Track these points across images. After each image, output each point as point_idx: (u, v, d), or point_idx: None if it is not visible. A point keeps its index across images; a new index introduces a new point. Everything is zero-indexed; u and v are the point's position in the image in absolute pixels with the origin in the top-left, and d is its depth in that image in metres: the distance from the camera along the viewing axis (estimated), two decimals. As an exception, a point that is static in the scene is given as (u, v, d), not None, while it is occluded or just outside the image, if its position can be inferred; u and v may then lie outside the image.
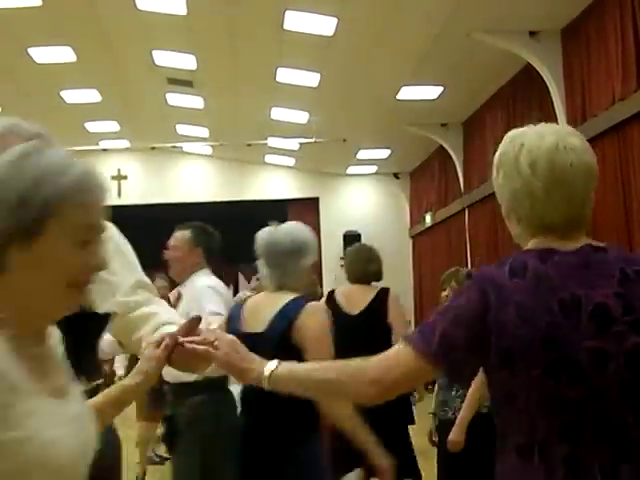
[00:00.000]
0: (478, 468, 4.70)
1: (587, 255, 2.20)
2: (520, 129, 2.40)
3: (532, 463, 2.09)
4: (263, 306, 3.89)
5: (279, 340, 3.67)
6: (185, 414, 4.86)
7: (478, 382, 4.78)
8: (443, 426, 5.27)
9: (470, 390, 4.97)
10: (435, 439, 5.59)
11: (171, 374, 5.02)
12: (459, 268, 6.09)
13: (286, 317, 3.75)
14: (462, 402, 5.05)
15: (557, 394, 2.09)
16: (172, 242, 5.62)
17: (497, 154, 2.36)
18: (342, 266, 23.63)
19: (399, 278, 20.67)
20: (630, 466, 2.09)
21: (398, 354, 2.19)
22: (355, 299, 6.02)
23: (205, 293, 5.20)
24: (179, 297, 5.41)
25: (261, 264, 3.98)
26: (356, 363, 2.26)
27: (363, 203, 22.66)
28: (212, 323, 5.56)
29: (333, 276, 20.52)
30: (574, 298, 2.11)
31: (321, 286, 21.19)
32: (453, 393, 5.25)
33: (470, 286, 2.21)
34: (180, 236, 5.60)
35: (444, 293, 5.77)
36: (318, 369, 2.34)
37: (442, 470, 5.38)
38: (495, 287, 2.14)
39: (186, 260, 5.51)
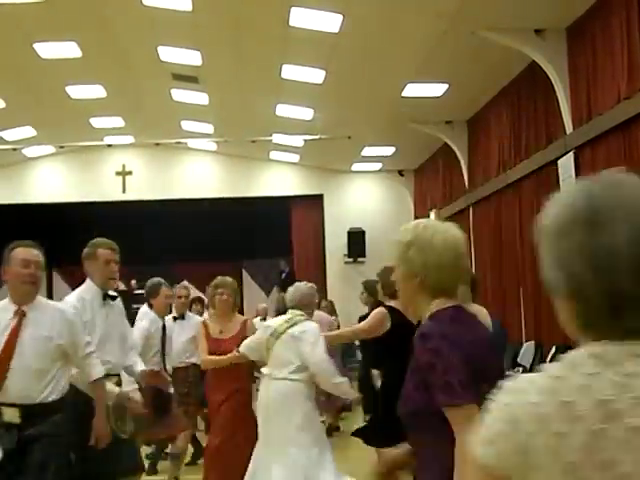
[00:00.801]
0: None
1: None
2: (425, 221, 3.21)
3: None
4: None
5: None
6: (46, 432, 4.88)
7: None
8: None
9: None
10: None
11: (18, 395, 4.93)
12: None
13: None
14: None
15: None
16: (36, 259, 5.07)
17: (408, 236, 3.06)
18: (346, 263, 23.62)
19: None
20: None
21: (467, 412, 2.72)
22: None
23: (77, 323, 5.26)
24: (22, 315, 5.01)
25: None
26: None
27: (367, 200, 22.66)
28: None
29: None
30: (484, 336, 3.10)
31: (324, 284, 21.22)
32: None
33: (434, 341, 2.84)
34: (38, 254, 5.10)
35: None
36: None
37: None
38: (445, 335, 2.86)
39: (40, 280, 5.17)
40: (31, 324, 4.96)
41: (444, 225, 3.14)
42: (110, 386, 5.60)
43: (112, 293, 5.95)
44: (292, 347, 6.91)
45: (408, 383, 2.92)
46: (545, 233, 1.60)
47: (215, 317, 7.53)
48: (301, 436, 6.78)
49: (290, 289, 7.42)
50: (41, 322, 4.99)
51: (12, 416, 4.86)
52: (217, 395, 7.34)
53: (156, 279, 8.60)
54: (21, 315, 4.98)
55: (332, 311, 15.45)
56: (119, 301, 6.08)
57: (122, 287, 11.06)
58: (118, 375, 5.81)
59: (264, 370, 7.04)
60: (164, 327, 8.35)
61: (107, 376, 5.54)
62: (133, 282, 18.11)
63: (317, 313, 12.37)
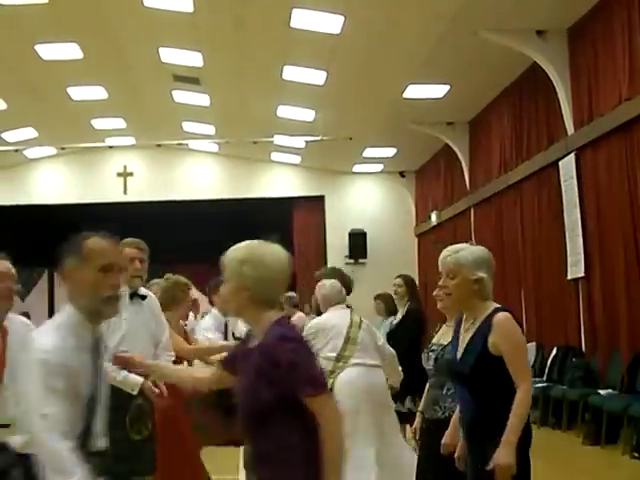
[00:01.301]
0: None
1: None
2: (255, 241, 3.60)
3: None
4: None
5: None
6: None
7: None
8: (433, 425, 5.16)
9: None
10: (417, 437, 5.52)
11: None
12: None
13: None
14: (452, 401, 4.90)
15: None
16: (8, 272, 4.66)
17: (242, 253, 3.47)
18: (347, 264, 23.50)
19: (404, 277, 20.62)
20: None
21: (331, 398, 3.39)
22: None
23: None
24: (4, 335, 4.57)
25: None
26: None
27: (369, 201, 22.65)
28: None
29: None
30: None
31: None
32: (444, 392, 5.14)
33: (293, 343, 3.29)
34: (10, 266, 4.71)
35: (436, 291, 5.54)
36: None
37: (424, 469, 5.27)
38: (299, 338, 3.43)
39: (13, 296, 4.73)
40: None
41: (272, 245, 3.58)
42: (134, 377, 5.54)
43: (143, 292, 5.93)
44: (372, 336, 7.24)
45: (254, 385, 3.27)
46: None
47: None
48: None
49: (332, 287, 7.43)
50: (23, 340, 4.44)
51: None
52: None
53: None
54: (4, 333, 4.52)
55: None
56: (153, 301, 6.05)
57: None
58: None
59: (355, 359, 7.04)
60: (226, 326, 8.24)
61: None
62: None
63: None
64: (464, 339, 4.21)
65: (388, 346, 7.41)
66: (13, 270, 4.73)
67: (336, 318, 7.18)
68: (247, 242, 3.57)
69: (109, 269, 3.20)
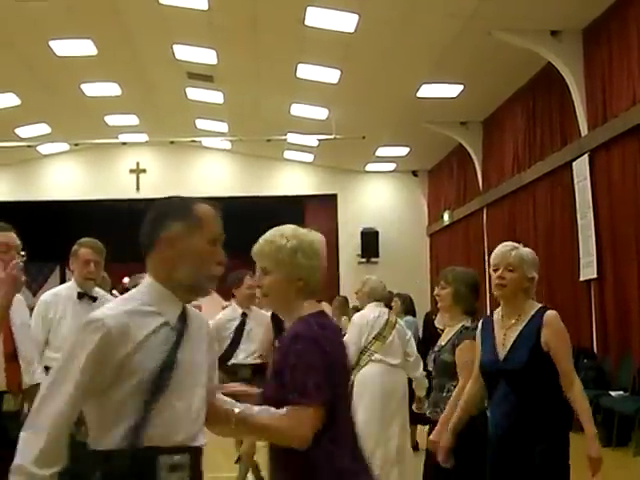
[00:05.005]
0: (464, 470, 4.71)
1: None
2: (295, 227, 3.29)
3: None
4: None
5: None
6: None
7: (462, 386, 4.85)
8: (434, 426, 5.21)
9: (454, 393, 4.98)
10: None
11: None
12: (455, 267, 5.76)
13: None
14: None
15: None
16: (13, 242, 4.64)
17: (294, 241, 3.14)
18: (359, 263, 23.47)
19: (416, 277, 20.62)
20: None
21: (310, 413, 2.85)
22: None
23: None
24: None
25: None
26: None
27: (381, 200, 22.63)
28: None
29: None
30: (343, 339, 3.26)
31: (337, 285, 21.18)
32: (443, 394, 5.17)
33: (301, 343, 2.91)
34: (15, 237, 4.69)
35: (436, 290, 5.51)
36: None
37: (428, 470, 5.30)
38: (315, 339, 2.93)
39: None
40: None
41: (313, 232, 3.28)
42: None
43: (95, 294, 5.80)
44: (401, 337, 7.72)
45: (272, 382, 2.98)
46: None
47: None
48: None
49: (378, 282, 7.95)
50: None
51: None
52: None
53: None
54: None
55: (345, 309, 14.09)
56: (103, 304, 5.93)
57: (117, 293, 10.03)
58: None
59: (378, 356, 7.56)
60: (242, 320, 7.90)
61: None
62: (126, 280, 17.78)
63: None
64: (507, 337, 4.30)
65: (414, 346, 7.95)
66: (17, 241, 4.63)
67: (373, 314, 7.67)
68: (289, 228, 3.27)
69: (216, 243, 2.80)
